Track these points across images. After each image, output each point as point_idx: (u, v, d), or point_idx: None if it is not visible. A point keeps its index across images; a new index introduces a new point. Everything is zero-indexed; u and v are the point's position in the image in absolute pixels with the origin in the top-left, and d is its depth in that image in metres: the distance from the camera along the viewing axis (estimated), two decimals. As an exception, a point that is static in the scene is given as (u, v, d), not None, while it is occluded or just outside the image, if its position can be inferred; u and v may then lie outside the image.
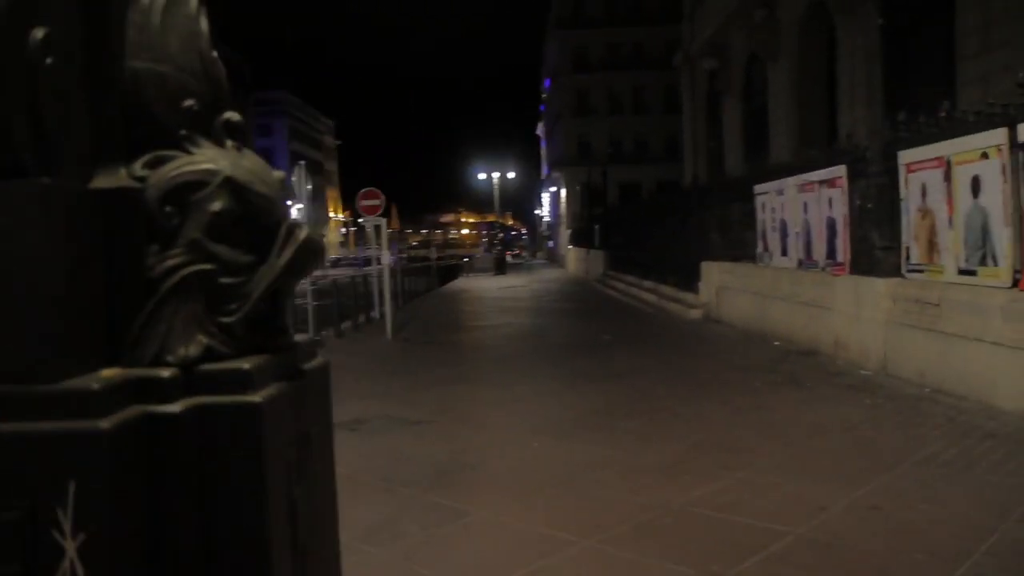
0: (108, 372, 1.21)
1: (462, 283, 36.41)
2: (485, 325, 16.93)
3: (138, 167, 1.30)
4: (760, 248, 12.91)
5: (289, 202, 14.30)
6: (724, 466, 5.42)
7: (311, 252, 1.38)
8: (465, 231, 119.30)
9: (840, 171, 9.84)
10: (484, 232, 63.32)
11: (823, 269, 10.36)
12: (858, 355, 9.00)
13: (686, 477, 5.23)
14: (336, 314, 14.97)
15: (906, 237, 8.40)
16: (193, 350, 1.27)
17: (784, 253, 11.86)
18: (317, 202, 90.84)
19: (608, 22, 62.71)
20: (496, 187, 50.92)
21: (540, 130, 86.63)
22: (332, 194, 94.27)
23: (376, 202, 16.12)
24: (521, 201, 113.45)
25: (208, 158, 1.34)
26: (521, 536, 4.27)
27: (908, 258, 8.37)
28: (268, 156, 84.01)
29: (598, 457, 5.88)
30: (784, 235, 11.85)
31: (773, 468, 5.34)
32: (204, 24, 1.40)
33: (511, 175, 55.94)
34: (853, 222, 9.49)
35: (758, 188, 12.99)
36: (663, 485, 5.08)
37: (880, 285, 8.58)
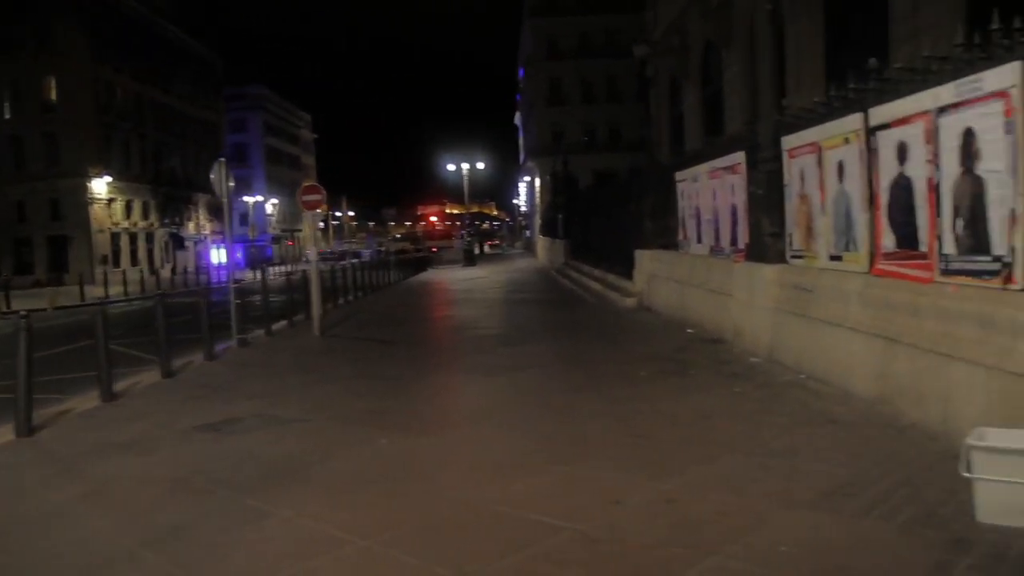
0: None
1: (428, 276, 36.37)
2: (424, 318, 16.92)
3: None
4: (681, 235, 12.91)
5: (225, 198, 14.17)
6: (559, 460, 5.40)
7: None
8: (435, 221, 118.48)
9: (739, 157, 9.84)
10: (465, 223, 63.21)
11: (728, 256, 10.37)
12: (751, 342, 9.01)
13: (514, 472, 5.22)
14: (265, 312, 14.91)
15: (790, 223, 8.41)
16: None
17: (699, 240, 11.87)
18: (294, 198, 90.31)
19: (581, 10, 62.51)
20: (466, 178, 50.75)
21: (518, 119, 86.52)
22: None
23: (317, 196, 16.01)
24: (504, 191, 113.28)
25: None
26: (306, 537, 4.25)
27: (791, 244, 8.38)
28: (243, 152, 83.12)
29: (442, 454, 5.87)
30: (699, 222, 11.85)
31: (604, 461, 5.32)
32: None
33: (480, 165, 55.69)
34: (750, 209, 9.48)
35: (678, 175, 12.99)
36: (486, 482, 5.07)
37: (768, 271, 8.58)
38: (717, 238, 10.96)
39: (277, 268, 50.25)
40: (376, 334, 14.18)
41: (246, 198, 70.05)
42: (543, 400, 7.50)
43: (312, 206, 15.96)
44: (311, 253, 15.13)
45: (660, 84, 30.30)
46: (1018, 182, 4.90)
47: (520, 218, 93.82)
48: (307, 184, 16.61)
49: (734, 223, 10.18)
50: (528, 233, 73.76)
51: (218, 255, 65.46)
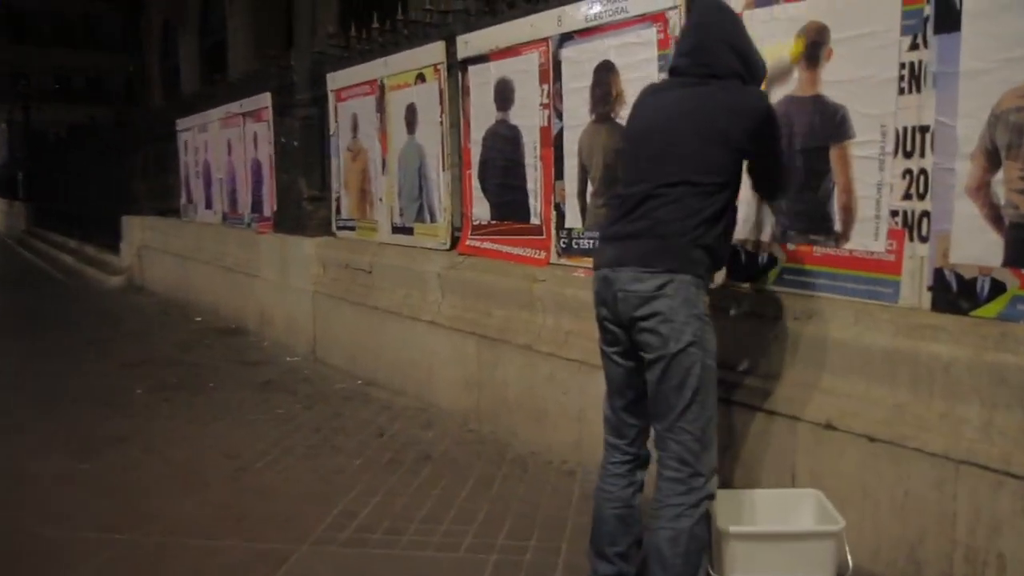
0: None
1: None
2: None
3: None
4: (184, 199, 10.30)
5: None
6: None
7: None
8: None
9: (265, 100, 7.71)
10: None
11: (248, 225, 8.19)
12: (286, 335, 7.01)
13: None
14: None
15: (337, 185, 6.59)
16: None
17: (209, 205, 9.43)
18: None
19: (51, -69, 52.73)
20: None
21: (-33, 56, 70.69)
22: None
23: None
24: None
25: None
26: None
27: (339, 212, 6.57)
28: None
29: None
30: (209, 182, 9.41)
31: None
32: None
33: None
34: (280, 166, 7.43)
35: (181, 123, 10.32)
36: None
37: (308, 246, 6.65)
38: (234, 202, 8.67)
39: None
40: None
41: None
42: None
43: None
44: None
45: (153, 31, 26.60)
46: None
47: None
48: None
49: (257, 183, 8.03)
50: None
51: None
